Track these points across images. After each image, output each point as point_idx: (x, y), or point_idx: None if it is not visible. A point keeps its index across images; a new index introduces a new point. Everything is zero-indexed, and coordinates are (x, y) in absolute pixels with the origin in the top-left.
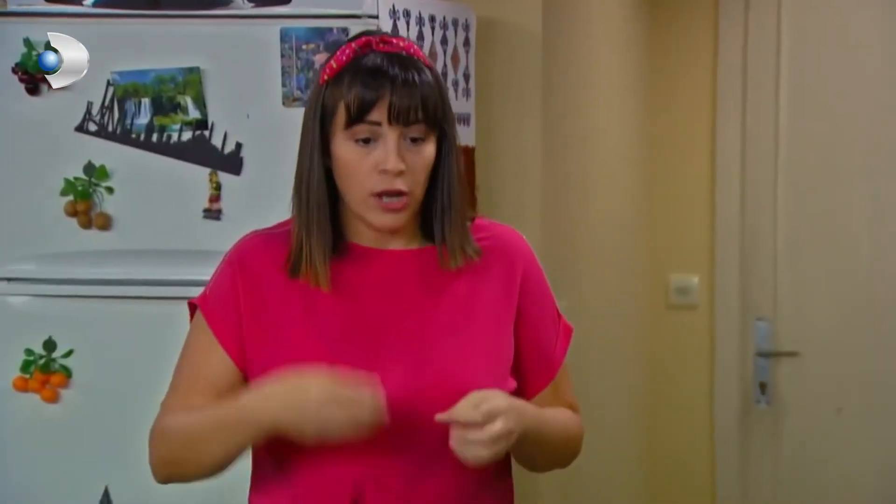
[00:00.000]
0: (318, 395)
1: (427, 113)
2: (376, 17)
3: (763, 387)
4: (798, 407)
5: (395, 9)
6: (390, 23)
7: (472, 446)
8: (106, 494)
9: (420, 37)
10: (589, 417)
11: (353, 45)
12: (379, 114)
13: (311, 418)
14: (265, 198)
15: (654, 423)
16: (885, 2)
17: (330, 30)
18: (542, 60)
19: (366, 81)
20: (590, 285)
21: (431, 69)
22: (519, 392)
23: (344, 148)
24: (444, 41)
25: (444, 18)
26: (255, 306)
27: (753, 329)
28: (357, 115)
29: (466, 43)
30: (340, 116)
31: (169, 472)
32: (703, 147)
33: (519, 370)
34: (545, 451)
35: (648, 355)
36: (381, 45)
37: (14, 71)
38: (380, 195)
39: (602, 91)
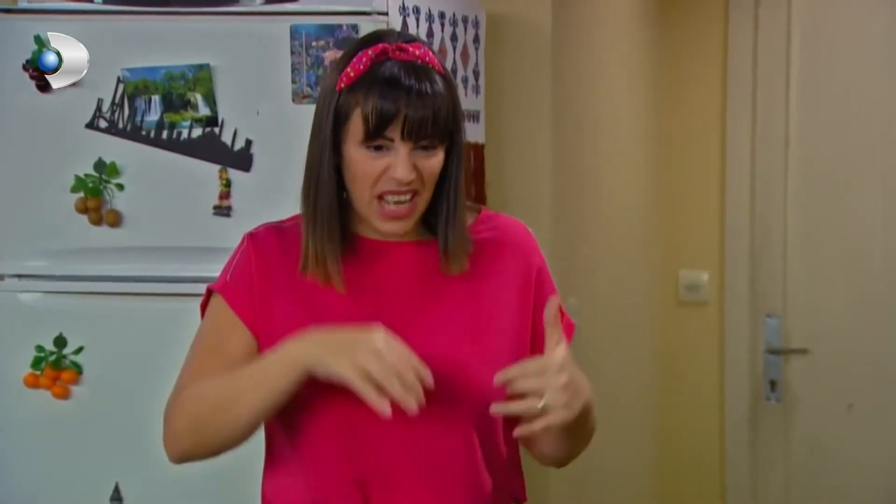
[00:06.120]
0: (379, 337)
1: (438, 126)
2: (386, 13)
3: (773, 384)
4: (808, 404)
5: (405, 6)
6: (400, 20)
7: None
8: (116, 490)
9: (430, 34)
10: (599, 413)
11: (370, 52)
12: (393, 129)
13: (359, 353)
14: (275, 194)
15: (664, 420)
16: None
17: (340, 27)
18: (552, 57)
19: (383, 94)
20: (600, 282)
21: (445, 76)
22: None
23: (356, 152)
24: (454, 38)
25: (454, 15)
26: (265, 293)
27: (763, 326)
28: (375, 131)
29: (476, 40)
30: (355, 125)
31: (192, 442)
32: (714, 143)
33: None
34: (582, 434)
35: (658, 352)
36: (398, 54)
37: (25, 68)
38: (386, 196)
39: (612, 87)
